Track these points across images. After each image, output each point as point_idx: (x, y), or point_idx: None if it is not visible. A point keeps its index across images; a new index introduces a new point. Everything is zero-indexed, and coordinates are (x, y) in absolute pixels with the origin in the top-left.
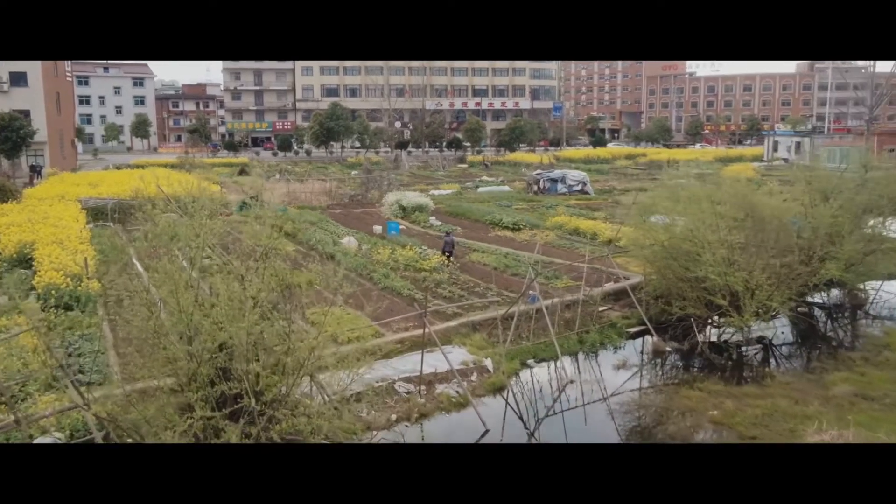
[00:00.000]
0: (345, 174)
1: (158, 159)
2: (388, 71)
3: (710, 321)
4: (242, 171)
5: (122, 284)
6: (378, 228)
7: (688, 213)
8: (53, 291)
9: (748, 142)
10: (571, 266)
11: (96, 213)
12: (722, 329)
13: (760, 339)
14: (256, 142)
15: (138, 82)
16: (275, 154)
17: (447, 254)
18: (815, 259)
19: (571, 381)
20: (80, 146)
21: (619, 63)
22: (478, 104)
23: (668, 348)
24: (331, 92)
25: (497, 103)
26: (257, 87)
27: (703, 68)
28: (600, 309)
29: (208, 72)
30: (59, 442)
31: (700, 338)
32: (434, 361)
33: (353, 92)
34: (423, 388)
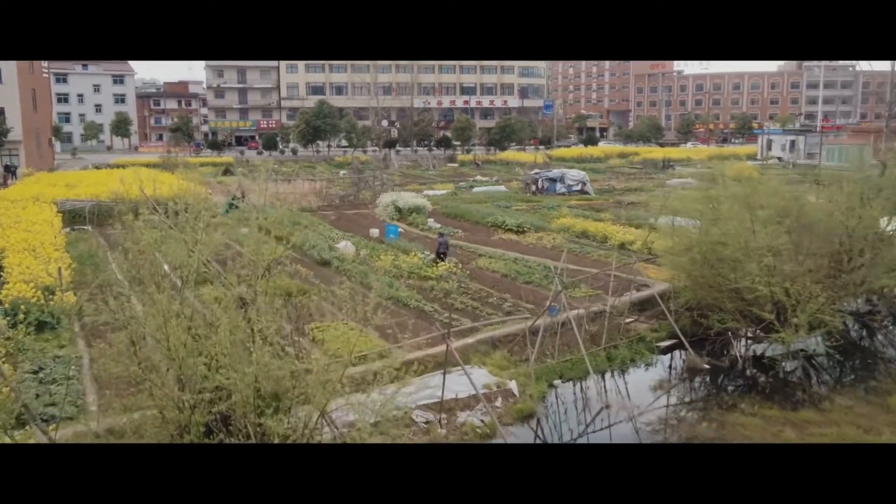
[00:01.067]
0: (333, 174)
1: (140, 159)
2: (374, 69)
3: (751, 335)
4: (227, 171)
5: (100, 310)
6: (375, 232)
7: (727, 216)
8: (22, 306)
9: (736, 140)
10: (584, 271)
11: (73, 216)
12: (754, 343)
13: (804, 354)
14: (240, 141)
15: (118, 80)
16: (260, 153)
17: (441, 255)
18: (863, 265)
19: (608, 406)
20: (57, 145)
21: (607, 61)
22: (466, 102)
23: (706, 365)
24: (316, 90)
25: (485, 101)
26: (241, 85)
27: (691, 66)
28: (627, 321)
29: (190, 70)
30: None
31: (739, 352)
32: (452, 385)
33: (340, 90)
34: (443, 416)
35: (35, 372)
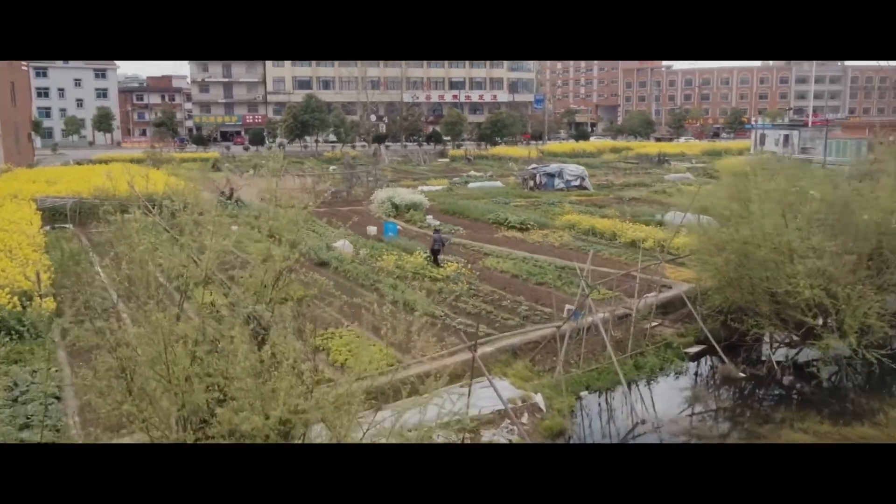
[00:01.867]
0: (322, 169)
1: (123, 154)
2: (362, 63)
3: (787, 340)
4: (214, 167)
5: (86, 331)
6: (373, 229)
7: (761, 214)
8: None
9: (727, 135)
10: (598, 271)
11: (54, 214)
12: (791, 350)
13: (847, 362)
14: (226, 136)
15: (100, 74)
16: (246, 149)
17: (435, 252)
18: None
19: (643, 421)
20: (38, 141)
21: None
22: (455, 97)
23: (742, 374)
24: (303, 84)
25: (474, 96)
26: (226, 80)
27: (680, 62)
28: (652, 325)
29: (175, 65)
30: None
31: (775, 359)
32: (474, 399)
33: (327, 84)
34: (467, 436)
35: (10, 389)
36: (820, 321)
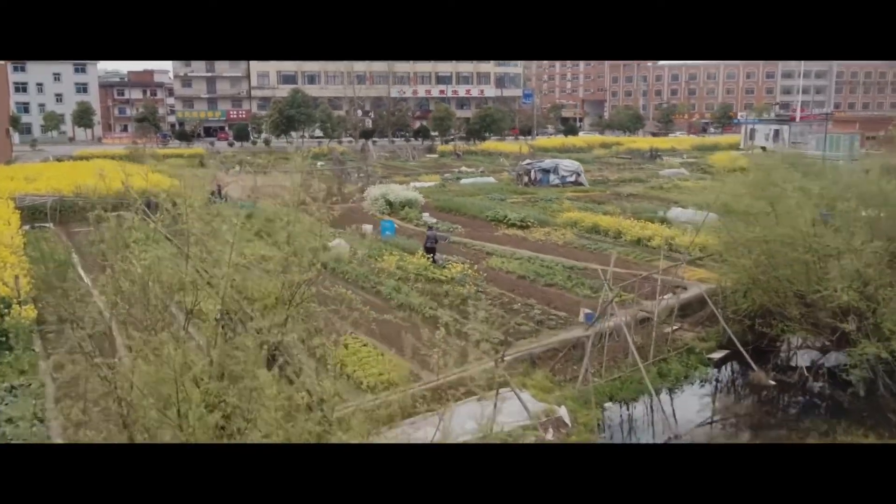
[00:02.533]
0: (310, 165)
1: (105, 150)
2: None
3: (818, 345)
4: (200, 164)
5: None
6: (368, 228)
7: (798, 213)
8: None
9: (714, 130)
10: (614, 274)
11: (33, 213)
12: (822, 355)
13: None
14: (209, 131)
15: (80, 69)
16: (231, 144)
17: (430, 250)
18: None
19: (676, 436)
20: (16, 136)
21: None
22: (442, 92)
23: (772, 381)
24: (288, 79)
25: (462, 91)
26: (209, 74)
27: None
28: (673, 328)
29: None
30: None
31: (805, 365)
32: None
33: (312, 79)
34: None
35: None
36: (854, 325)
